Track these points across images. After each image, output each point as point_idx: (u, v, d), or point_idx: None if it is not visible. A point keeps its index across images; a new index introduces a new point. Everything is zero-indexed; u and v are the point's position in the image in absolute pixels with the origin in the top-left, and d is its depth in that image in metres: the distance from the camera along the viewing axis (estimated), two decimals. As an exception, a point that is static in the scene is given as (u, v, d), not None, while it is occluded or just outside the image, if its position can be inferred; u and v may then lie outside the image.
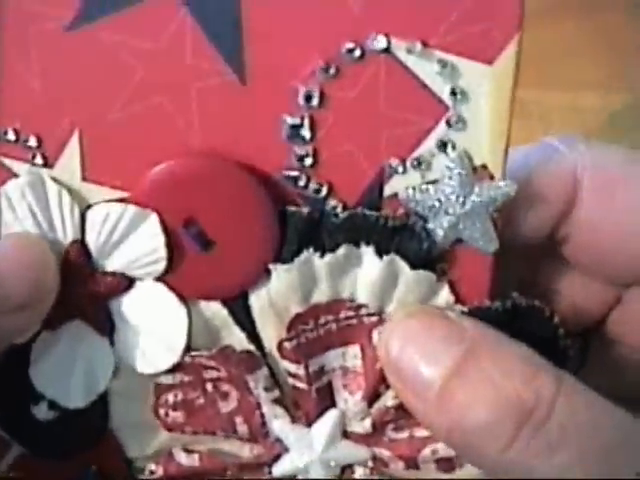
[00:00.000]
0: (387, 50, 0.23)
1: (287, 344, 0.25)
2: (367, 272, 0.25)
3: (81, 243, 0.25)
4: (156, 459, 0.27)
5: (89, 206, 0.25)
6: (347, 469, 0.28)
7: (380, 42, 0.23)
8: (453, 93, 0.23)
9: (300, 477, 0.28)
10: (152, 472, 0.27)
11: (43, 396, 0.27)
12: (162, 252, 0.25)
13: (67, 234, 0.25)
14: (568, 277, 0.29)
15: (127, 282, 0.25)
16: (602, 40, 0.46)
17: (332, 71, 0.23)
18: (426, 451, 0.27)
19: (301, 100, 0.23)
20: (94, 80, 0.24)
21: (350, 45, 0.23)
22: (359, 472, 0.28)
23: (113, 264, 0.25)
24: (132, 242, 0.25)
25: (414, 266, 0.25)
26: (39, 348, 0.26)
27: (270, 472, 0.28)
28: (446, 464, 0.27)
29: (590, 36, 0.46)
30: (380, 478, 0.28)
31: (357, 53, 0.23)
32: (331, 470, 0.28)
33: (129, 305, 0.26)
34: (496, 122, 0.24)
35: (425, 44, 0.23)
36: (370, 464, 0.28)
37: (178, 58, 0.23)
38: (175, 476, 0.27)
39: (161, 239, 0.24)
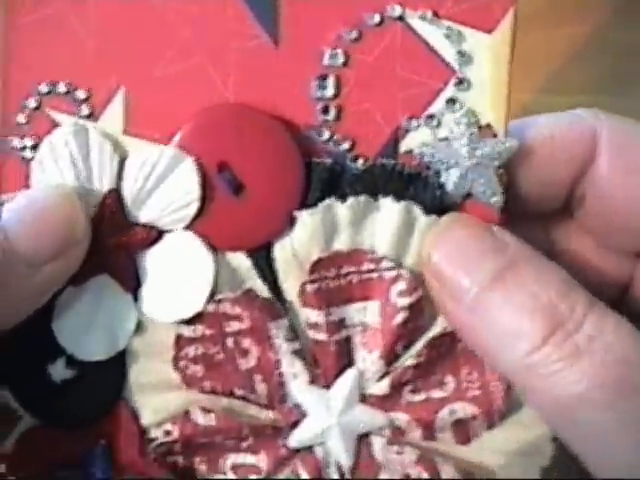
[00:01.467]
0: (402, 18, 0.27)
1: (309, 287, 0.26)
2: (385, 220, 0.27)
3: (117, 193, 0.27)
4: (172, 419, 0.27)
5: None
6: (364, 439, 0.28)
7: (396, 10, 0.27)
8: (459, 56, 0.27)
9: (318, 448, 0.27)
10: (168, 432, 0.27)
11: (61, 353, 0.27)
12: (196, 193, 0.26)
13: (104, 183, 0.26)
14: (584, 249, 0.30)
15: (157, 234, 0.27)
16: (597, 43, 0.48)
17: (354, 35, 0.27)
18: (444, 411, 0.27)
19: (327, 60, 0.27)
20: (143, 40, 0.26)
21: (370, 12, 0.27)
22: (377, 443, 0.28)
23: (146, 214, 0.27)
24: (167, 186, 0.26)
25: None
26: (63, 302, 0.27)
27: (285, 443, 0.27)
28: (462, 433, 0.27)
29: (586, 39, 0.49)
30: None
31: (376, 19, 0.27)
32: (349, 439, 0.27)
33: (157, 258, 0.27)
34: (496, 84, 0.27)
35: (435, 14, 0.27)
36: (387, 433, 0.27)
37: (220, 21, 0.27)
38: (190, 437, 0.27)
39: (196, 179, 0.26)
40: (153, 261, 0.27)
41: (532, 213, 0.29)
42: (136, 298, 0.27)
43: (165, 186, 0.26)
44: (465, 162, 0.27)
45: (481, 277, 0.25)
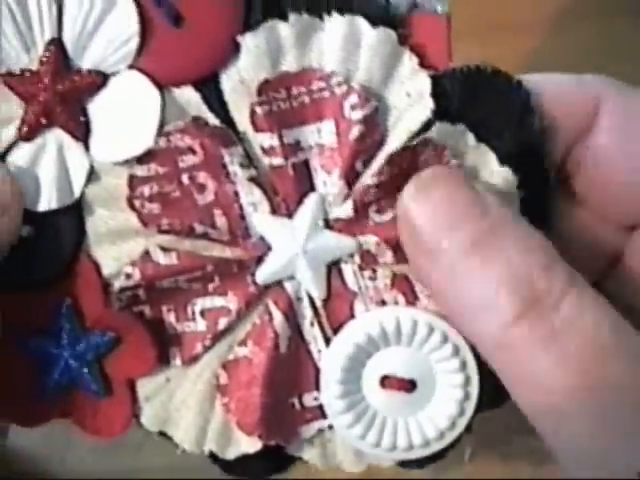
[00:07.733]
0: None
1: (258, 109, 0.25)
2: (331, 36, 0.26)
3: (59, 42, 0.26)
4: (133, 262, 0.26)
5: (65, 4, 0.26)
6: (334, 269, 0.27)
7: None
8: None
9: (287, 283, 0.26)
10: (129, 276, 0.26)
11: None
12: (135, 27, 0.26)
13: (45, 33, 0.26)
14: (575, 218, 0.28)
15: (102, 78, 0.26)
16: (608, 48, 0.47)
17: None
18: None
19: None
20: None
21: None
22: (347, 270, 0.26)
23: (89, 59, 0.26)
24: (107, 25, 0.26)
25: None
26: (15, 159, 0.26)
27: (254, 279, 0.26)
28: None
29: (597, 43, 0.48)
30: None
31: None
32: (317, 268, 0.26)
33: (105, 103, 0.26)
34: None
35: None
36: (357, 260, 0.26)
37: None
38: (152, 278, 0.26)
39: (134, 12, 0.26)
40: (102, 106, 0.26)
41: None
42: (87, 147, 0.26)
43: (105, 26, 0.26)
44: (407, -31, 0.26)
45: (460, 239, 0.23)
